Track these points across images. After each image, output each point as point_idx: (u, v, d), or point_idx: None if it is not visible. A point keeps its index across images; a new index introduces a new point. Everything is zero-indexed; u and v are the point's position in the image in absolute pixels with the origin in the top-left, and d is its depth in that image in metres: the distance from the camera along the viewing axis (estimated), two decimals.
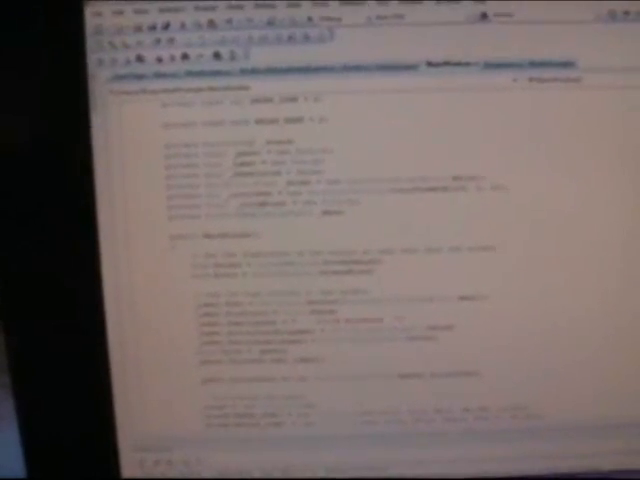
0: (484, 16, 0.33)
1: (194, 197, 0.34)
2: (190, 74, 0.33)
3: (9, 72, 0.33)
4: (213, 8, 0.33)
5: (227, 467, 0.36)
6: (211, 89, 0.33)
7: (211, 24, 0.33)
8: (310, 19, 0.33)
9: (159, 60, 0.33)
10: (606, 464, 0.36)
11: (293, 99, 0.33)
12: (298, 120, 0.33)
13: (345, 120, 0.34)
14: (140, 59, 0.33)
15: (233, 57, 0.33)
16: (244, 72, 0.33)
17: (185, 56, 0.33)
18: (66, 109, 0.33)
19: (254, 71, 0.33)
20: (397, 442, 0.36)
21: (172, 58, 0.33)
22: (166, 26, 0.33)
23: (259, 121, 0.34)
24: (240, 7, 0.33)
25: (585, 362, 0.35)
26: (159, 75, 0.33)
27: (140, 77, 0.33)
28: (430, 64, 0.33)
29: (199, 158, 0.34)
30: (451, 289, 0.35)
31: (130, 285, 0.34)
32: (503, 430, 0.36)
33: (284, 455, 0.36)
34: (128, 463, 0.36)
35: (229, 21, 0.33)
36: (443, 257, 0.34)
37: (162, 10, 0.33)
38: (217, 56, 0.33)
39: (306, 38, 0.33)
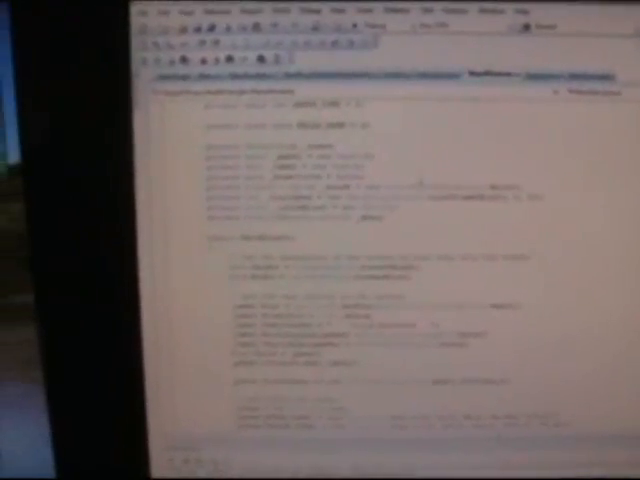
0: (527, 27, 0.34)
1: (234, 198, 0.34)
2: (234, 76, 0.34)
3: (53, 69, 0.33)
4: (259, 11, 0.33)
5: (256, 468, 0.36)
6: (254, 92, 0.34)
7: (256, 27, 0.33)
8: (355, 25, 0.33)
9: (203, 62, 0.34)
10: (635, 473, 0.36)
11: (336, 104, 0.34)
12: (340, 125, 0.34)
13: (386, 126, 0.34)
14: (184, 60, 0.34)
15: (277, 61, 0.33)
16: (288, 76, 0.33)
17: (229, 58, 0.34)
18: (109, 107, 0.34)
19: (298, 75, 0.33)
20: (426, 447, 0.36)
21: (216, 60, 0.34)
22: (211, 28, 0.33)
23: (301, 125, 0.34)
24: (286, 11, 0.33)
25: (616, 372, 0.36)
26: (203, 76, 0.34)
27: (184, 78, 0.34)
28: (472, 73, 0.34)
29: (240, 160, 0.34)
30: (485, 297, 0.35)
31: (167, 284, 0.35)
32: (532, 437, 0.36)
33: (313, 457, 0.36)
34: (158, 461, 0.36)
35: (274, 25, 0.33)
36: (478, 265, 0.35)
37: (208, 12, 0.33)
38: (261, 59, 0.34)
39: (350, 44, 0.33)
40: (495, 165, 0.34)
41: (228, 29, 0.33)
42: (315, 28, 0.33)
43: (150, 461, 0.36)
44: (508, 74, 0.34)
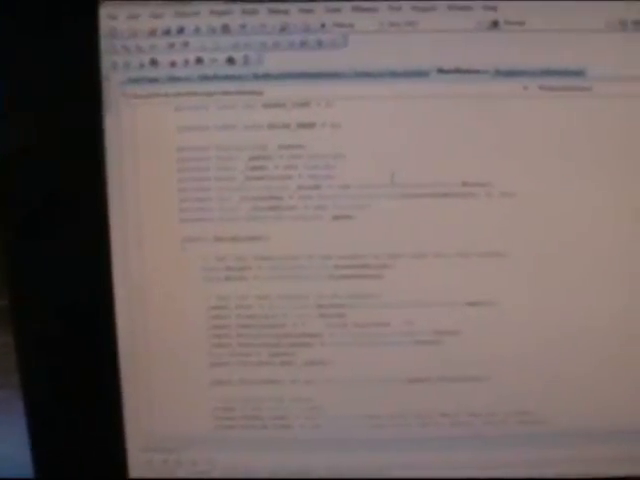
0: (495, 24, 0.33)
1: (206, 200, 0.34)
2: (203, 78, 0.34)
3: (22, 73, 0.33)
4: (227, 13, 0.33)
5: (235, 468, 0.37)
6: (224, 93, 0.34)
7: (225, 29, 0.33)
8: (323, 25, 0.33)
9: (173, 64, 0.34)
10: (613, 470, 0.36)
11: (306, 104, 0.34)
12: (310, 125, 0.34)
13: (357, 126, 0.34)
14: (154, 63, 0.34)
15: (246, 62, 0.34)
16: (257, 77, 0.34)
17: (199, 60, 0.34)
18: (79, 111, 0.34)
19: (267, 76, 0.34)
20: (404, 446, 0.36)
21: (186, 62, 0.34)
22: (180, 30, 0.33)
23: (271, 126, 0.34)
24: (254, 12, 0.33)
25: (593, 368, 0.35)
26: (173, 79, 0.34)
27: (154, 81, 0.34)
28: (441, 71, 0.34)
29: (211, 162, 0.34)
30: (459, 295, 0.35)
31: (141, 287, 0.35)
32: (510, 435, 0.36)
33: (291, 457, 0.37)
34: (136, 463, 0.37)
35: (243, 26, 0.33)
36: (452, 263, 0.35)
37: (177, 14, 0.33)
38: (231, 61, 0.34)
39: (319, 44, 0.33)
40: (467, 162, 0.34)
41: (197, 31, 0.33)
42: (283, 29, 0.33)
43: (128, 462, 0.36)
44: (477, 71, 0.34)
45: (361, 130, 0.34)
